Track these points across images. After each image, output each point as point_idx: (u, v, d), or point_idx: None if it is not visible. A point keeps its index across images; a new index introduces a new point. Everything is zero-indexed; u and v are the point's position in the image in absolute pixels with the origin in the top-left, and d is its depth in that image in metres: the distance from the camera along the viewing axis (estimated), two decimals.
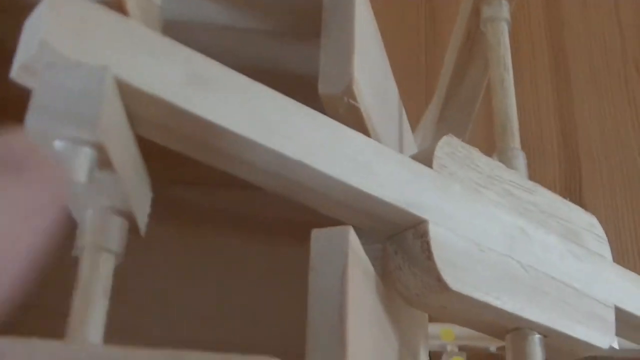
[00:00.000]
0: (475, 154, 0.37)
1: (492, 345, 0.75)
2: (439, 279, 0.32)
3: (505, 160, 0.40)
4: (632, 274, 0.41)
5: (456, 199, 0.35)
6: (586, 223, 0.41)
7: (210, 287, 0.44)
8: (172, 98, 0.28)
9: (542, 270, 0.37)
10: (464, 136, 0.53)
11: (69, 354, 0.25)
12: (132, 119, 0.29)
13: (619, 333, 0.42)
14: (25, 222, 0.25)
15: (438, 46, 0.87)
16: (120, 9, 0.29)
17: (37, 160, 0.26)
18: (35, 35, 0.27)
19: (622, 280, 0.41)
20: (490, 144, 0.42)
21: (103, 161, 0.27)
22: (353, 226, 0.34)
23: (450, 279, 0.33)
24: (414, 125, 0.63)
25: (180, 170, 0.40)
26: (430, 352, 0.80)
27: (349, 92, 0.33)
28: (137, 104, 0.28)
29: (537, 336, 0.36)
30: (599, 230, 0.41)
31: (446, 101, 0.50)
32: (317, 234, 0.30)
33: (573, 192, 0.84)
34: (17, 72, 0.27)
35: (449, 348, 0.79)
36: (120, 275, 0.37)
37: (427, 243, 0.33)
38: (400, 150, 0.41)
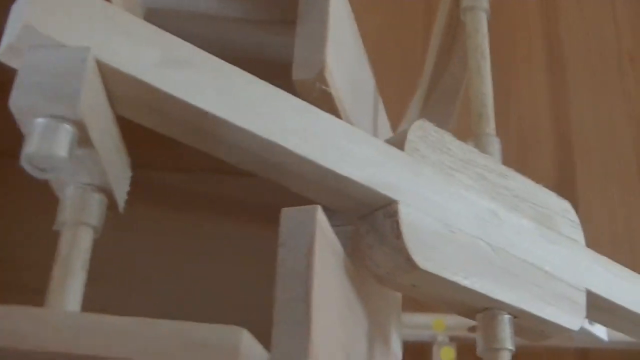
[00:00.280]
0: (448, 138, 0.38)
1: None
2: (408, 258, 0.34)
3: (481, 146, 0.41)
4: (604, 259, 0.42)
5: (427, 181, 0.36)
6: (560, 208, 0.42)
7: (191, 269, 0.45)
8: (148, 78, 0.29)
9: (513, 252, 0.38)
10: (448, 123, 0.54)
11: (47, 319, 0.27)
12: (112, 98, 0.30)
13: (592, 317, 0.43)
14: None
15: None
16: None
17: None
18: (20, 18, 0.28)
19: (594, 265, 0.42)
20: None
21: (83, 138, 0.28)
22: (327, 207, 0.35)
23: (419, 258, 0.34)
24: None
25: (163, 156, 0.41)
26: (421, 343, 0.81)
27: (321, 78, 0.34)
28: (116, 84, 0.30)
29: (506, 316, 0.37)
30: (573, 215, 0.42)
31: (429, 90, 0.51)
32: (286, 212, 0.31)
33: (567, 182, 0.85)
34: (3, 53, 0.29)
35: (439, 338, 0.80)
36: (105, 257, 0.39)
37: (397, 222, 0.34)
38: (375, 136, 0.42)
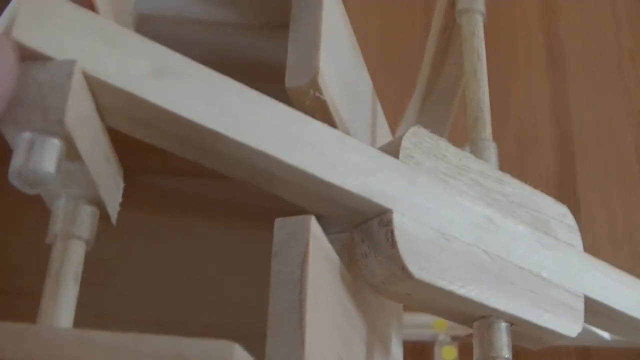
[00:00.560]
0: (443, 144, 0.38)
1: None
2: (402, 267, 0.33)
3: (477, 150, 0.41)
4: (603, 264, 0.42)
5: (422, 188, 0.35)
6: (557, 213, 0.41)
7: (186, 272, 0.45)
8: (137, 90, 0.29)
9: (509, 259, 0.38)
10: (445, 127, 0.53)
11: (38, 335, 0.26)
12: (101, 110, 0.30)
13: (590, 322, 0.43)
14: None
15: None
16: (89, 4, 0.30)
17: None
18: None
19: (592, 270, 0.41)
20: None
21: (71, 152, 0.28)
22: (322, 215, 0.35)
23: (414, 267, 0.33)
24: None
25: (157, 160, 0.41)
26: (422, 342, 0.81)
27: (314, 84, 0.34)
28: (104, 96, 0.29)
29: (503, 324, 0.37)
30: (570, 220, 0.42)
31: (426, 93, 0.51)
32: (279, 222, 0.31)
33: (567, 181, 0.84)
34: None
35: (441, 338, 0.80)
36: (104, 261, 0.38)
37: (391, 232, 0.34)
38: (373, 142, 0.42)
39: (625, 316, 0.42)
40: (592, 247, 0.79)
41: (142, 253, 0.46)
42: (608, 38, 0.92)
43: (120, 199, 0.33)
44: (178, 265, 0.46)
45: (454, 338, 0.80)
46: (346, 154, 0.33)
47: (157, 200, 0.47)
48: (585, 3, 0.91)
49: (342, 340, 0.33)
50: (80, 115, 0.28)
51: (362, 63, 0.42)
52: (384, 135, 0.45)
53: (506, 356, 0.36)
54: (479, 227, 0.37)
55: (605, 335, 0.80)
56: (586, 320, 0.40)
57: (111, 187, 0.31)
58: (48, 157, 0.27)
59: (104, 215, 0.32)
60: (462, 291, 0.35)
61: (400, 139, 0.36)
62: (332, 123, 0.36)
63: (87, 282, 0.33)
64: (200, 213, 0.46)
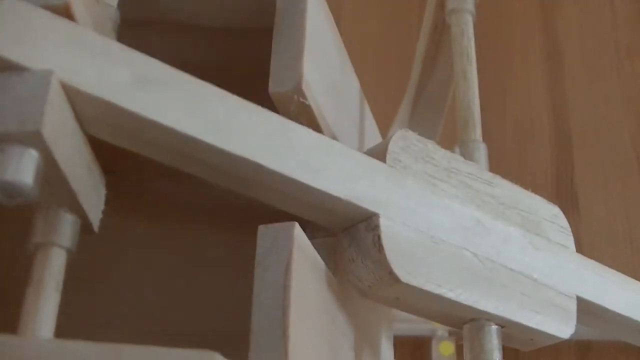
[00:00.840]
0: (432, 147, 0.37)
1: None
2: (390, 272, 0.33)
3: (467, 152, 0.40)
4: (595, 264, 0.42)
5: (410, 192, 0.35)
6: (549, 214, 0.41)
7: (178, 277, 0.45)
8: (118, 100, 0.29)
9: (500, 261, 0.37)
10: (437, 127, 0.53)
11: (18, 346, 0.26)
12: (81, 120, 0.30)
13: (584, 323, 0.42)
14: None
15: None
16: (67, 13, 0.30)
17: None
18: None
19: (584, 270, 0.41)
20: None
21: (50, 163, 0.28)
22: (308, 219, 0.35)
23: (401, 271, 0.33)
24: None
25: (145, 162, 0.41)
26: (419, 337, 0.81)
27: (298, 90, 0.33)
28: (84, 106, 0.29)
29: (493, 327, 0.37)
30: (562, 220, 0.41)
31: (417, 94, 0.50)
32: (263, 230, 0.31)
33: (565, 177, 0.84)
34: None
35: (438, 333, 0.80)
36: (90, 267, 0.38)
37: (378, 236, 0.33)
38: (361, 145, 0.42)
39: (618, 316, 0.42)
40: (591, 243, 0.78)
41: (129, 259, 0.46)
42: (606, 34, 0.92)
43: (102, 207, 0.32)
44: (166, 271, 0.46)
45: (452, 333, 0.80)
46: (332, 159, 0.33)
47: (146, 204, 0.46)
48: None
49: (329, 347, 0.33)
50: (59, 126, 0.28)
51: (349, 63, 0.41)
52: (373, 137, 0.45)
53: (496, 359, 0.36)
54: (468, 229, 0.37)
55: None
56: (579, 321, 0.40)
57: (93, 196, 0.31)
58: (26, 168, 0.27)
59: (85, 225, 0.31)
60: (451, 295, 0.35)
61: (387, 142, 0.36)
62: (317, 128, 0.35)
63: (74, 289, 0.32)
64: (190, 217, 0.46)
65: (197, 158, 0.31)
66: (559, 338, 0.39)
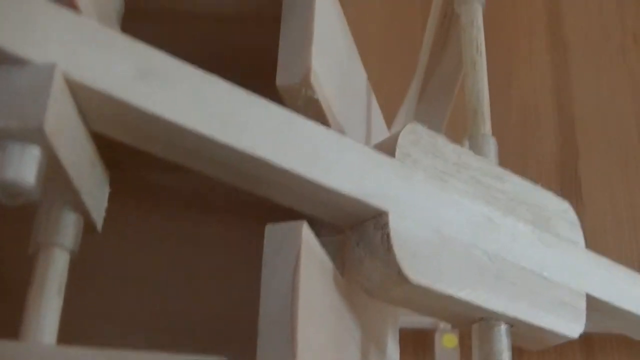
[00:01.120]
0: (441, 141, 0.36)
1: None
2: (399, 272, 0.32)
3: (476, 146, 0.39)
4: (605, 260, 0.41)
5: (419, 188, 0.34)
6: (559, 209, 0.40)
7: (181, 270, 0.44)
8: (123, 94, 0.28)
9: (509, 259, 0.36)
10: (444, 115, 0.52)
11: (21, 352, 0.25)
12: (85, 115, 0.29)
13: (593, 320, 0.42)
14: None
15: None
16: (71, 4, 0.29)
17: None
18: None
19: (594, 267, 0.40)
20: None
21: (52, 160, 0.27)
22: (316, 217, 0.34)
23: (410, 271, 0.32)
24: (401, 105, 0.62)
25: (148, 155, 0.40)
26: (423, 330, 0.80)
27: (306, 83, 0.32)
28: (87, 101, 0.28)
29: (503, 326, 0.36)
30: (572, 215, 0.41)
31: (425, 81, 0.49)
32: (270, 229, 0.30)
33: (569, 165, 0.83)
34: None
35: (441, 325, 0.79)
36: (94, 261, 0.37)
37: (387, 235, 0.33)
38: (368, 137, 0.41)
39: (628, 314, 0.41)
40: (595, 232, 0.78)
41: (130, 253, 0.45)
42: (611, 18, 0.91)
43: (105, 205, 0.31)
44: (169, 264, 0.45)
45: (455, 325, 0.79)
46: (340, 155, 0.32)
47: (147, 198, 0.46)
48: None
49: (336, 347, 0.32)
50: (62, 122, 0.27)
51: (356, 52, 0.40)
52: (379, 127, 0.44)
53: (506, 359, 0.35)
54: (478, 226, 0.36)
55: None
56: (588, 318, 0.39)
57: (96, 193, 0.30)
58: (28, 167, 0.26)
59: (88, 223, 0.31)
60: (461, 294, 0.34)
61: (397, 136, 0.35)
62: (325, 121, 0.34)
63: (77, 283, 0.32)
64: (193, 209, 0.45)
65: (201, 154, 0.30)
66: (569, 337, 0.38)
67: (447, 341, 0.78)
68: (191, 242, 0.45)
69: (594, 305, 0.40)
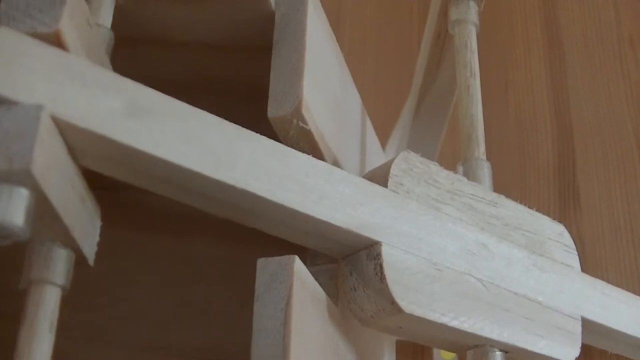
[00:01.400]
0: (434, 168, 0.36)
1: None
2: (392, 302, 0.32)
3: (470, 170, 0.39)
4: (601, 283, 0.41)
5: (412, 217, 0.34)
6: (553, 233, 0.40)
7: (171, 292, 0.44)
8: (112, 132, 0.28)
9: (504, 286, 0.36)
10: (440, 134, 0.52)
11: None
12: (74, 153, 0.29)
13: (589, 342, 0.41)
14: None
15: None
16: (57, 42, 0.28)
17: None
18: None
19: (589, 290, 0.40)
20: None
21: (41, 200, 0.27)
22: (308, 246, 0.34)
23: (403, 301, 0.32)
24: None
25: None
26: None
27: (297, 114, 0.32)
28: (75, 139, 0.28)
29: (497, 353, 0.36)
30: (567, 239, 0.41)
31: (420, 99, 0.49)
32: (262, 263, 0.30)
33: (566, 169, 0.83)
34: None
35: None
36: (85, 281, 0.37)
37: (380, 265, 0.32)
38: (363, 163, 0.41)
39: (624, 336, 0.41)
40: (592, 238, 0.77)
41: (129, 274, 0.45)
42: (608, 23, 0.90)
43: (97, 239, 0.31)
44: (166, 286, 0.45)
45: None
46: (332, 187, 0.32)
47: (141, 218, 0.45)
48: None
49: None
50: (50, 162, 0.27)
51: (349, 75, 0.40)
52: (374, 151, 0.44)
53: None
54: (472, 254, 0.36)
55: None
56: (585, 340, 0.39)
57: (87, 228, 0.30)
58: (16, 208, 0.26)
59: (80, 258, 0.30)
60: (455, 323, 0.34)
61: (389, 165, 0.35)
62: (317, 151, 0.34)
63: (74, 304, 0.32)
64: (186, 231, 0.45)
65: (193, 189, 0.30)
66: None
67: (445, 353, 0.78)
68: (184, 264, 0.45)
69: (590, 328, 0.40)
